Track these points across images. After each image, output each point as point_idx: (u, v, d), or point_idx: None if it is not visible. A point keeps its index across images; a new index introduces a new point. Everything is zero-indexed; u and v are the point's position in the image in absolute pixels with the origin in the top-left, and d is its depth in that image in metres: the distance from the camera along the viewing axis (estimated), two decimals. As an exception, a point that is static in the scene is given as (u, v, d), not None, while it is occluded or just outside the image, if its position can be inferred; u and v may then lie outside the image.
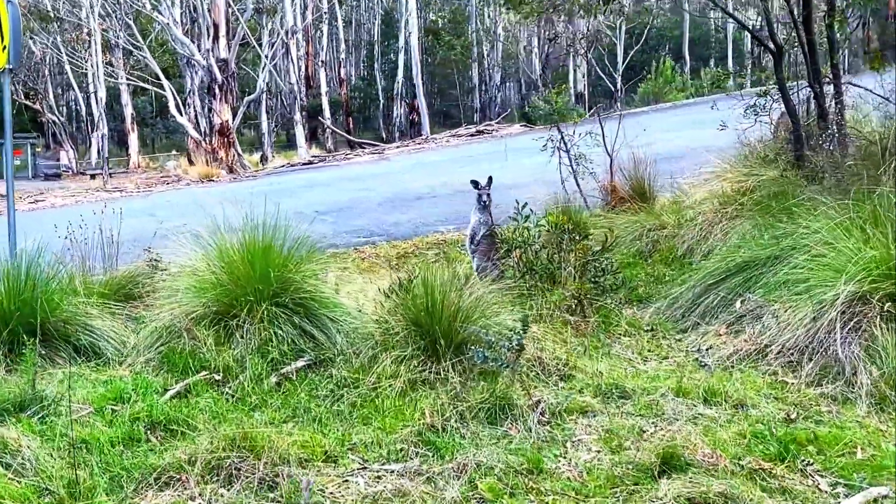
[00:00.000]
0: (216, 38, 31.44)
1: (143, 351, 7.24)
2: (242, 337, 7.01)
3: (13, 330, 7.27)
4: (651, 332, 7.74)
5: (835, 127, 9.88)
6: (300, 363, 6.80)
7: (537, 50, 53.64)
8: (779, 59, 10.04)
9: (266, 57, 36.12)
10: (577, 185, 11.80)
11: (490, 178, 9.05)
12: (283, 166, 25.51)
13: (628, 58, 51.31)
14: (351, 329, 7.15)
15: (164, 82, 36.06)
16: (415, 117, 45.65)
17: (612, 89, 48.15)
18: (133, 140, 44.75)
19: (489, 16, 60.21)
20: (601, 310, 7.77)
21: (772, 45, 10.04)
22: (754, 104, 11.01)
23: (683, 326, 7.76)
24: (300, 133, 36.02)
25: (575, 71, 49.54)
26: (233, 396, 6.40)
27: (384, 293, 7.26)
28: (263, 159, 38.68)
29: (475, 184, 9.03)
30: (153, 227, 10.67)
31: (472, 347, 6.32)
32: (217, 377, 6.66)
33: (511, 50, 62.60)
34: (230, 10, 33.78)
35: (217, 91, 31.65)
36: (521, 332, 5.98)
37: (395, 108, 56.46)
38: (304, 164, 24.53)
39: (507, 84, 66.48)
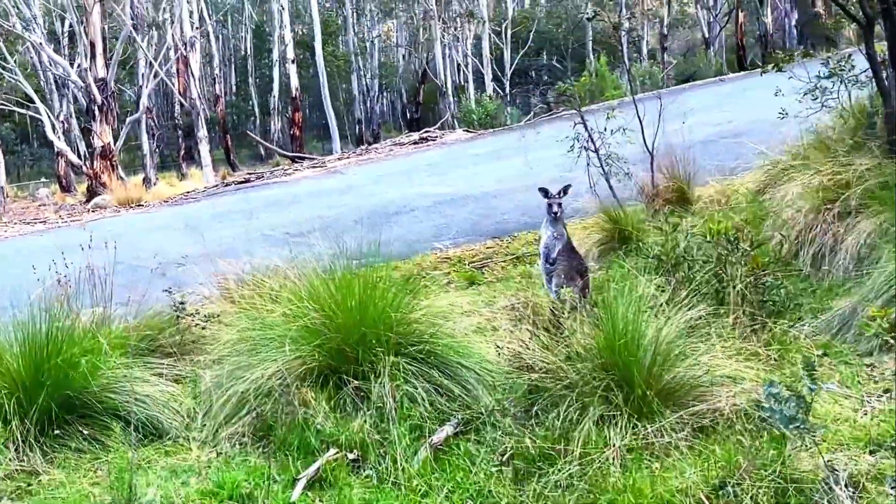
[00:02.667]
0: (93, 56, 29.31)
1: (222, 424, 5.56)
2: (362, 399, 5.41)
3: (43, 406, 5.57)
4: (824, 356, 6.35)
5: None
6: (448, 429, 5.24)
7: (440, 55, 51.48)
8: (869, 32, 8.82)
9: (150, 74, 34.00)
10: (610, 187, 10.40)
11: (566, 187, 7.57)
12: (215, 186, 23.41)
13: (514, 63, 50.45)
14: (496, 381, 5.61)
15: (40, 105, 33.77)
16: (295, 132, 43.84)
17: (501, 93, 47.42)
18: (-1, 169, 41.87)
19: (360, 25, 58.33)
20: (777, 335, 6.32)
21: (861, 16, 8.83)
22: (816, 87, 9.73)
23: (866, 349, 6.39)
24: (205, 151, 33.64)
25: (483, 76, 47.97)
26: (385, 480, 4.82)
27: (532, 331, 5.74)
28: (146, 182, 36.33)
29: (545, 192, 7.52)
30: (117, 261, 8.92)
31: (684, 398, 4.92)
32: (350, 455, 5.05)
33: (389, 61, 61.18)
34: (105, 28, 31.65)
35: (97, 112, 29.47)
36: (811, 380, 4.44)
37: (272, 123, 54.50)
38: (239, 182, 22.52)
39: (384, 94, 64.93)
